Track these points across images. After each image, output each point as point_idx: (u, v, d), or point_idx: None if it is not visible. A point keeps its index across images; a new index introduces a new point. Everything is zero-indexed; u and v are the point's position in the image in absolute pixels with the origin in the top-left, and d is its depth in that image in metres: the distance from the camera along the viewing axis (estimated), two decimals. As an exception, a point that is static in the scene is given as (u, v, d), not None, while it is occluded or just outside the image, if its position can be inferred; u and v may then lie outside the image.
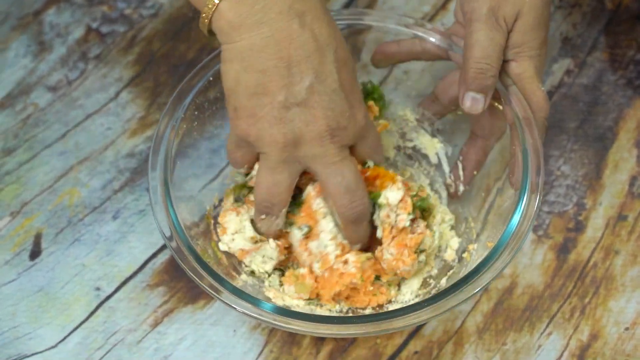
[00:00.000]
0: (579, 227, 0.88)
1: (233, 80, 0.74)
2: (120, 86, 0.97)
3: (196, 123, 0.83)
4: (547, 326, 0.84)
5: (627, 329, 0.83)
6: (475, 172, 0.85)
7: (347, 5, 1.02)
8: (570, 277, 0.86)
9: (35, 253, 0.87)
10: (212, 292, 0.74)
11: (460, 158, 0.86)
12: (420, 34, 0.85)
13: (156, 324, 0.84)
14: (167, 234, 0.76)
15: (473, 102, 0.79)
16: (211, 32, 0.75)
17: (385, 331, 0.74)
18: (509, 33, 0.79)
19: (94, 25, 1.01)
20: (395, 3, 1.02)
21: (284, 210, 0.79)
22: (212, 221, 0.83)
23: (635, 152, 0.92)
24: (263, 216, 0.79)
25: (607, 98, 0.95)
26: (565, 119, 0.94)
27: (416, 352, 0.83)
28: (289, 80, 0.73)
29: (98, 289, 0.86)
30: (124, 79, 0.97)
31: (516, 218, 0.76)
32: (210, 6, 0.72)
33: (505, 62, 0.80)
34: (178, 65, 0.98)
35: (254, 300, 0.74)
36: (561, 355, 0.82)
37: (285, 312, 0.75)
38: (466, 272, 0.76)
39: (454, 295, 0.74)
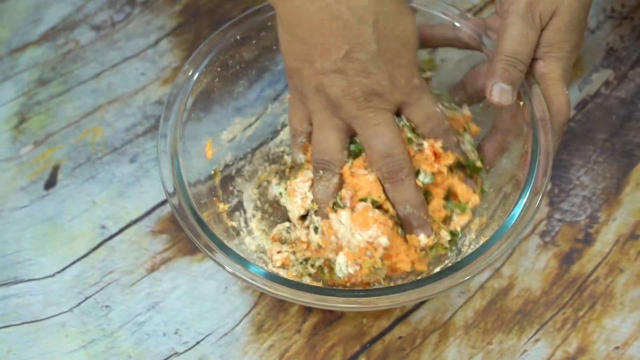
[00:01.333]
0: (588, 240, 0.87)
1: (285, 43, 0.79)
2: (161, 34, 0.99)
3: (218, 80, 0.84)
4: (536, 332, 0.83)
5: (617, 348, 0.82)
6: (490, 166, 0.85)
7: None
8: (569, 287, 0.85)
9: (50, 183, 0.90)
10: (207, 251, 0.75)
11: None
12: (457, 24, 0.85)
13: (153, 269, 0.86)
14: (170, 189, 0.78)
15: (502, 93, 0.79)
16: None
17: (369, 308, 0.74)
18: (542, 31, 0.79)
19: (147, -29, 1.03)
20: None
21: (339, 169, 0.81)
22: (219, 179, 0.84)
23: (660, 173, 0.90)
24: (320, 172, 0.81)
25: (642, 115, 0.93)
26: (594, 130, 0.93)
27: (400, 337, 0.83)
28: (325, 50, 0.76)
29: (103, 227, 0.88)
30: (166, 28, 0.99)
31: (514, 215, 0.76)
32: None
33: (533, 60, 0.80)
34: (221, 21, 0.99)
35: (245, 263, 0.75)
36: (545, 363, 0.82)
37: (275, 278, 0.75)
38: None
39: (439, 282, 0.74)
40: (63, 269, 0.85)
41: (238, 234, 0.84)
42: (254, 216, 0.86)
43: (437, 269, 0.81)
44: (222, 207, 0.84)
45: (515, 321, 0.84)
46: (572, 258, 0.86)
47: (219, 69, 0.84)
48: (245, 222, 0.86)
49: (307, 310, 0.84)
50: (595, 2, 0.99)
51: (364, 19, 0.75)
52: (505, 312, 0.84)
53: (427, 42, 0.87)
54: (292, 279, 0.79)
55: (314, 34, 0.76)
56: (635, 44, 0.98)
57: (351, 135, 0.81)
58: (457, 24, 0.85)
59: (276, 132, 0.90)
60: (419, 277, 0.80)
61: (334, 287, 0.80)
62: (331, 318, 0.84)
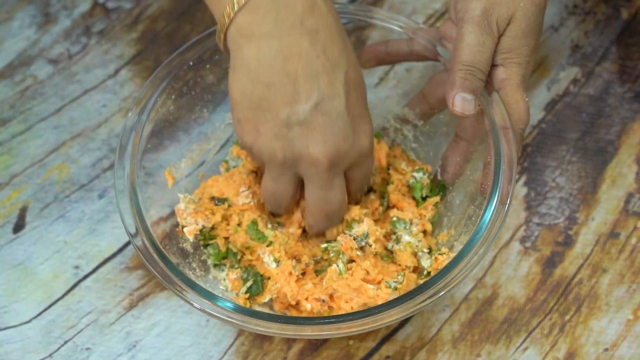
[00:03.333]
0: (568, 242, 0.86)
1: (238, 91, 0.72)
2: (120, 63, 0.97)
3: (175, 106, 0.83)
4: (524, 341, 0.82)
5: (606, 349, 0.82)
6: (456, 176, 0.83)
7: (353, 0, 1.01)
8: (554, 292, 0.84)
9: (19, 226, 0.88)
10: (176, 291, 0.73)
11: (440, 162, 0.84)
12: (411, 36, 0.83)
13: (130, 307, 0.84)
14: (132, 230, 0.76)
15: (464, 102, 0.77)
16: (226, 48, 0.73)
17: (353, 332, 0.72)
18: (500, 37, 0.78)
19: (101, 0, 1.00)
20: (406, -3, 1.00)
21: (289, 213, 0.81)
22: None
23: (634, 169, 0.90)
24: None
25: (611, 110, 0.93)
26: (566, 129, 0.92)
27: (388, 357, 0.82)
28: (294, 97, 0.71)
29: (77, 267, 0.86)
30: (125, 57, 0.97)
31: (482, 227, 0.74)
32: (225, 18, 0.70)
33: (492, 66, 0.78)
34: (180, 45, 0.96)
35: (220, 301, 0.73)
36: (535, 371, 0.81)
37: (246, 311, 0.73)
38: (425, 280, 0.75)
39: (409, 301, 0.72)
40: (39, 314, 0.83)
41: (207, 270, 0.82)
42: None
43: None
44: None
45: (502, 331, 0.83)
46: (554, 262, 0.86)
47: (175, 95, 0.82)
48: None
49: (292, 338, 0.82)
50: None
51: (336, 68, 0.71)
52: (491, 323, 0.83)
53: (382, 60, 0.85)
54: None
55: (281, 78, 0.70)
56: (600, 39, 0.97)
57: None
58: (411, 36, 0.83)
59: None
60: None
61: (298, 317, 0.79)
62: (317, 343, 0.82)
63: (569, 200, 0.88)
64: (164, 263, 0.75)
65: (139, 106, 0.80)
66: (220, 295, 0.75)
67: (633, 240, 0.86)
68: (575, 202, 0.88)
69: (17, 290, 0.84)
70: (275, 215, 0.82)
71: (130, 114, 0.79)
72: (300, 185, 0.78)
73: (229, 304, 0.73)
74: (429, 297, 0.72)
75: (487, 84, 0.78)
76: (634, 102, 0.93)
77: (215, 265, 0.82)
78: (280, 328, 0.72)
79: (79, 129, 0.93)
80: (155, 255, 0.75)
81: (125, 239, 0.87)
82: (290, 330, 0.72)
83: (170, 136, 0.83)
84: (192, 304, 0.73)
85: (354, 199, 0.81)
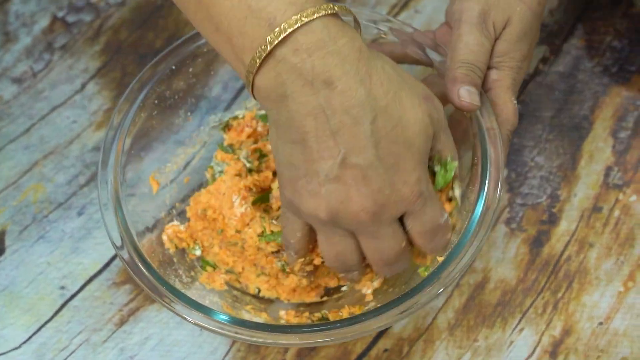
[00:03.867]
0: (553, 220, 0.87)
1: (274, 146, 0.71)
2: (86, 77, 0.95)
3: (154, 115, 0.82)
4: (519, 322, 0.82)
5: (600, 323, 0.82)
6: None
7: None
8: (544, 271, 0.84)
9: (-1, 251, 0.86)
10: (165, 304, 0.73)
11: None
12: (393, 37, 0.82)
13: (122, 323, 0.82)
14: (118, 242, 0.75)
15: (470, 94, 0.76)
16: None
17: (356, 336, 0.72)
18: (495, 40, 0.78)
19: (60, 14, 0.99)
20: (368, -11, 1.00)
21: (362, 269, 0.77)
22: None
23: (611, 142, 0.90)
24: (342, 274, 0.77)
25: (583, 86, 0.93)
26: (540, 108, 0.92)
27: (386, 350, 0.81)
28: (319, 155, 0.68)
29: (63, 287, 0.84)
30: (91, 70, 0.95)
31: (469, 231, 0.74)
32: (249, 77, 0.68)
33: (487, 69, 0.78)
34: (146, 55, 0.96)
35: (210, 312, 0.73)
36: (533, 351, 0.81)
37: (240, 322, 0.73)
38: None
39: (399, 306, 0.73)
40: (29, 338, 0.82)
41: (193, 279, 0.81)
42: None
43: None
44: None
45: (497, 314, 0.83)
46: (541, 241, 0.86)
47: (154, 103, 0.81)
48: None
49: (288, 339, 0.82)
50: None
51: (359, 120, 0.67)
52: (485, 307, 0.83)
53: None
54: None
55: (308, 138, 0.67)
56: (564, 17, 0.97)
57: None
58: (400, 40, 0.82)
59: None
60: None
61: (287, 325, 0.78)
62: (313, 342, 0.82)
63: (549, 178, 0.89)
64: (151, 275, 0.74)
65: (119, 116, 0.78)
66: (209, 303, 0.74)
67: (616, 213, 0.87)
68: (556, 180, 0.89)
69: (3, 317, 0.83)
70: (352, 280, 0.78)
71: (109, 126, 0.78)
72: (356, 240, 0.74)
73: (222, 317, 0.72)
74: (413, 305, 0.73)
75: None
76: (603, 76, 0.94)
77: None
78: (275, 337, 0.72)
79: (51, 147, 0.91)
80: (142, 268, 0.74)
81: (110, 255, 0.85)
82: (289, 340, 0.72)
83: (151, 144, 0.82)
84: (185, 318, 0.72)
85: (425, 248, 0.75)
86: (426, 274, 0.75)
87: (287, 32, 0.64)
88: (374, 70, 0.68)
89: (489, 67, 0.78)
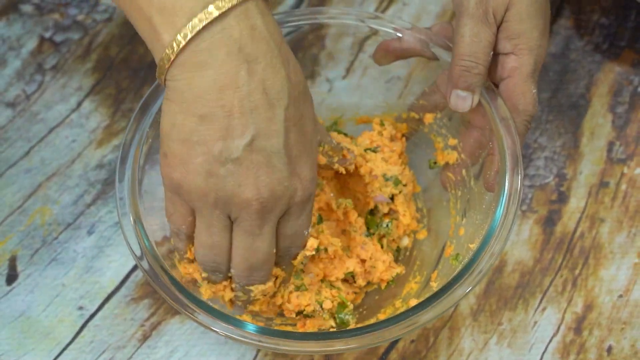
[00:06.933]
0: (562, 199, 0.87)
1: (169, 122, 0.66)
2: (81, 95, 0.94)
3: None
4: (540, 302, 0.83)
5: (620, 296, 0.83)
6: (473, 163, 0.81)
7: (297, 6, 0.99)
8: (559, 249, 0.85)
9: (11, 277, 0.85)
10: (187, 313, 0.72)
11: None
12: (393, 31, 0.82)
13: (145, 338, 0.82)
14: (138, 253, 0.74)
15: (459, 100, 0.76)
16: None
17: (378, 343, 0.72)
18: (501, 25, 0.76)
19: (47, 34, 0.97)
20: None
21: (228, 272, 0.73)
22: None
23: (610, 117, 0.91)
24: (209, 274, 0.73)
25: (576, 65, 0.94)
26: (537, 90, 0.93)
27: (413, 341, 0.81)
28: (227, 132, 0.65)
29: (81, 308, 0.83)
30: (85, 88, 0.94)
31: (494, 226, 0.74)
32: (169, 52, 0.64)
33: (503, 54, 0.77)
34: (138, 69, 0.95)
35: (235, 322, 0.72)
36: (558, 329, 0.82)
37: (269, 331, 0.72)
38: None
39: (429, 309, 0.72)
40: (52, 363, 0.81)
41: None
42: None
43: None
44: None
45: (518, 296, 0.83)
46: (553, 220, 0.87)
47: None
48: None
49: (314, 339, 0.81)
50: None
51: (275, 103, 0.65)
52: (505, 290, 0.84)
53: (399, 55, 0.83)
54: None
55: (215, 111, 0.64)
56: (551, -2, 0.98)
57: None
58: (421, 36, 0.82)
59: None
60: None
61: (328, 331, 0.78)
62: (339, 340, 0.81)
63: (554, 158, 0.90)
64: (173, 285, 0.73)
65: (130, 134, 0.78)
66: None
67: (623, 187, 0.88)
68: (561, 159, 0.89)
69: (23, 342, 0.82)
70: (212, 281, 0.74)
71: (123, 140, 0.77)
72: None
73: (248, 326, 0.72)
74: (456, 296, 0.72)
75: (494, 74, 0.78)
76: (595, 54, 0.95)
77: None
78: (300, 345, 0.71)
79: (53, 168, 0.90)
80: (164, 278, 0.73)
81: (125, 271, 0.85)
82: (314, 347, 0.71)
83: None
84: (210, 328, 0.71)
85: (282, 260, 0.73)
86: (456, 262, 0.76)
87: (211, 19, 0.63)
88: (291, 57, 0.68)
89: (506, 53, 0.76)
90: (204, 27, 0.63)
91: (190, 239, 0.72)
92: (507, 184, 0.75)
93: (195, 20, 0.63)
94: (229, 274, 0.73)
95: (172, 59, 0.64)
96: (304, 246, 0.73)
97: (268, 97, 0.65)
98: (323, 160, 0.77)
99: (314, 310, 0.76)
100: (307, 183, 0.69)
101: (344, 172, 0.79)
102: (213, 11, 0.63)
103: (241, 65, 0.64)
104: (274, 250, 0.71)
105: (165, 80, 0.66)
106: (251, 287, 0.72)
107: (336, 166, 0.78)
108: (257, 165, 0.66)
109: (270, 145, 0.66)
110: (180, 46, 0.64)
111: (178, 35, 0.64)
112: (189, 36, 0.63)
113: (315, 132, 0.70)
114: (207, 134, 0.65)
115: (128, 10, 0.66)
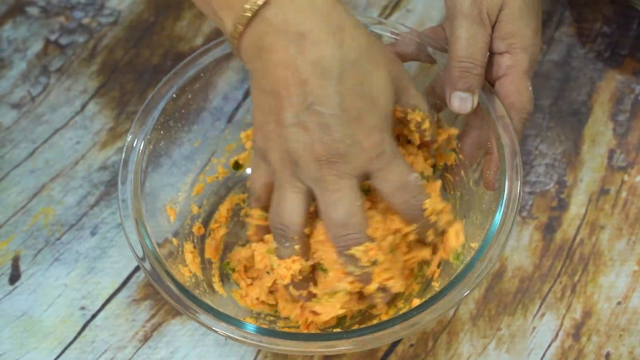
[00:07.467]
0: (562, 205, 0.88)
1: (253, 97, 0.75)
2: (85, 98, 0.95)
3: (163, 132, 0.81)
4: (539, 308, 0.83)
5: (619, 303, 0.83)
6: (470, 164, 0.82)
7: None
8: (559, 256, 0.86)
9: (14, 277, 0.85)
10: (189, 314, 0.73)
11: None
12: (391, 35, 0.83)
13: (146, 339, 0.82)
14: (140, 254, 0.75)
15: (461, 102, 0.77)
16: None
17: (378, 343, 0.72)
18: (495, 25, 0.77)
19: (53, 37, 0.98)
20: (358, -8, 1.01)
21: (297, 235, 0.75)
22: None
23: (611, 125, 0.92)
24: (278, 238, 0.76)
25: (578, 73, 0.95)
26: (539, 97, 0.93)
27: (411, 345, 0.82)
28: (288, 102, 0.71)
29: (83, 308, 0.84)
30: (89, 90, 0.95)
31: (493, 228, 0.75)
32: (234, 42, 0.72)
33: (498, 54, 0.78)
34: (143, 72, 0.96)
35: (236, 322, 0.73)
36: (556, 335, 0.82)
37: (269, 332, 0.73)
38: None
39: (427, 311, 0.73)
40: (54, 362, 0.81)
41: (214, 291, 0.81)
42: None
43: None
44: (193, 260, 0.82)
45: (517, 301, 0.84)
46: (553, 227, 0.87)
47: (169, 122, 0.81)
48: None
49: (314, 341, 0.82)
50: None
51: (326, 73, 0.70)
52: (505, 295, 0.84)
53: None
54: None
55: (279, 86, 0.71)
56: (553, 6, 0.99)
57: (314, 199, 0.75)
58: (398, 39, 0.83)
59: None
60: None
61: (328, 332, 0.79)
62: (339, 343, 0.82)
63: (554, 165, 0.90)
64: (175, 286, 0.74)
65: (134, 136, 0.79)
66: (232, 313, 0.75)
67: (623, 194, 0.88)
68: (561, 166, 0.90)
69: (25, 342, 0.82)
70: (280, 256, 0.76)
71: (126, 143, 0.78)
72: (310, 197, 0.74)
73: (248, 326, 0.72)
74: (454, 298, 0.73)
75: (490, 73, 0.78)
76: (597, 62, 0.95)
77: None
78: (299, 346, 0.72)
79: (57, 169, 0.91)
80: (165, 279, 0.74)
81: (127, 272, 0.85)
82: (313, 348, 0.72)
83: (168, 157, 0.82)
84: (210, 328, 0.72)
85: (407, 216, 0.75)
86: (457, 262, 0.76)
87: None
88: (347, 24, 0.71)
89: (501, 52, 0.78)
90: (254, 14, 0.70)
91: (259, 200, 0.78)
92: (507, 184, 0.76)
93: (246, 6, 0.70)
94: (296, 246, 0.75)
95: (237, 45, 0.72)
96: (420, 192, 0.74)
97: (319, 66, 0.70)
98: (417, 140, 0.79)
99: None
100: (374, 140, 0.72)
101: (417, 142, 0.80)
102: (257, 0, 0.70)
103: (290, 44, 0.70)
104: (358, 202, 0.73)
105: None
106: (352, 252, 0.74)
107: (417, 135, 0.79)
108: (317, 127, 0.71)
109: (327, 108, 0.70)
110: (239, 34, 0.71)
111: (238, 25, 0.71)
112: (240, 29, 0.71)
113: (387, 90, 0.73)
114: (273, 105, 0.72)
115: (201, 5, 0.75)
